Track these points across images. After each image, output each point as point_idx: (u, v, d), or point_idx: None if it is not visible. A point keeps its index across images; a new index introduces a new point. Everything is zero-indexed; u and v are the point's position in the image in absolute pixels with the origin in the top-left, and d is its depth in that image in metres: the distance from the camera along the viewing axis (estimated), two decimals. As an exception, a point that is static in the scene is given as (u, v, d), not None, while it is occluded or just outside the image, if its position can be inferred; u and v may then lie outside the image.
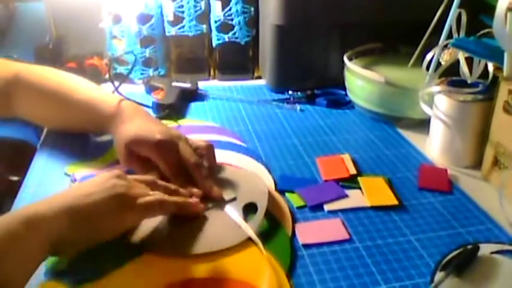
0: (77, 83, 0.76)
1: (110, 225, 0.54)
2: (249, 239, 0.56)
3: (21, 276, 0.47)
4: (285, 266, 0.54)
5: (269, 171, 0.72)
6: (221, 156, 0.72)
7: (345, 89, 0.95)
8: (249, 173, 0.70)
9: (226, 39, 1.05)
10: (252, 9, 1.04)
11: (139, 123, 0.67)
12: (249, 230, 0.57)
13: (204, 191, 0.63)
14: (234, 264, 0.54)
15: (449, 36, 0.79)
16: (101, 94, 0.75)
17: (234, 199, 0.63)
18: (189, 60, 1.08)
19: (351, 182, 0.70)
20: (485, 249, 0.56)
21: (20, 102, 0.77)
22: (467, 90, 0.73)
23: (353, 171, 0.72)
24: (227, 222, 0.59)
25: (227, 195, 0.64)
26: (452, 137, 0.75)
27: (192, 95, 0.99)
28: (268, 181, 0.69)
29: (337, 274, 0.53)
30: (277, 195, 0.66)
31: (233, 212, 0.61)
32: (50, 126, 0.83)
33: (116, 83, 0.85)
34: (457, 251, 0.56)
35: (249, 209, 0.61)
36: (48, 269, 0.53)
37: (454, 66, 0.76)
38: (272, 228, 0.60)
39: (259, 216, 0.60)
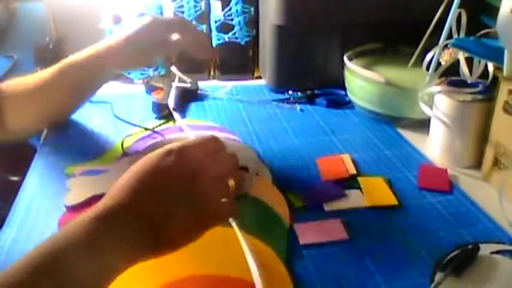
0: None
1: None
2: None
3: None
4: (283, 257, 0.55)
5: (270, 169, 0.72)
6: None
7: (345, 89, 0.95)
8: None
9: (226, 39, 1.05)
10: (252, 9, 1.04)
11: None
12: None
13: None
14: (232, 261, 0.54)
15: (449, 36, 0.79)
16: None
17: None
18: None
19: (351, 182, 0.70)
20: (485, 249, 0.56)
21: (14, 111, 0.76)
22: (467, 90, 0.73)
23: (353, 171, 0.72)
24: None
25: None
26: (452, 137, 0.75)
27: (192, 95, 0.99)
28: (268, 178, 0.70)
29: (337, 274, 0.53)
30: (274, 188, 0.67)
31: None
32: (59, 112, 0.84)
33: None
34: (457, 251, 0.56)
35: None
36: None
37: (454, 66, 0.76)
38: (269, 218, 0.61)
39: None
